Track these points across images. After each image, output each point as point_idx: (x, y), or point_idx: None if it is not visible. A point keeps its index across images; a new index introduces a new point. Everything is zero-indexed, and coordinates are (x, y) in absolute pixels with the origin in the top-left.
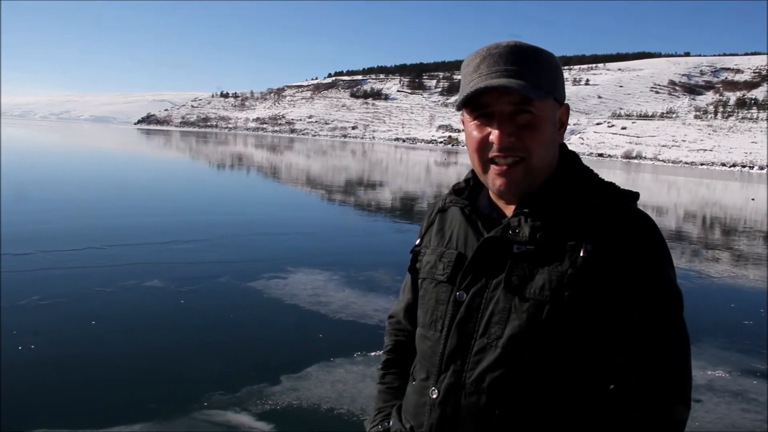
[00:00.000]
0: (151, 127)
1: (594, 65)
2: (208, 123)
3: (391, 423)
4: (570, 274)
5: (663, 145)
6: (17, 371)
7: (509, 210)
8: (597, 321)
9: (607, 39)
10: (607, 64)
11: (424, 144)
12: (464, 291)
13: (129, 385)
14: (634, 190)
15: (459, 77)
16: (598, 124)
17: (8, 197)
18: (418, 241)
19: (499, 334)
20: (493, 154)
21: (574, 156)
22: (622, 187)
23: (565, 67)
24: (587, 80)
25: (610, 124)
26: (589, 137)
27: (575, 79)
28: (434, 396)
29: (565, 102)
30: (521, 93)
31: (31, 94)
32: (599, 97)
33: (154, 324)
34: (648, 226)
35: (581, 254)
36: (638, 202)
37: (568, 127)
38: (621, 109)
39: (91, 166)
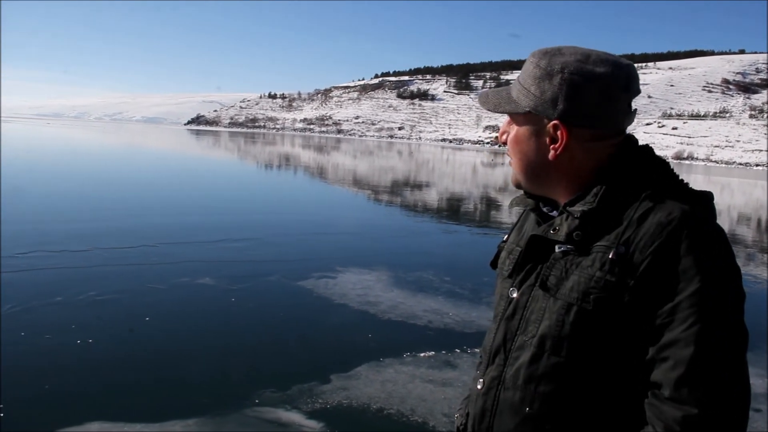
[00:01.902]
0: (201, 127)
1: (644, 64)
2: (256, 124)
3: None
4: (597, 277)
5: (716, 146)
6: (76, 365)
7: None
8: (631, 323)
9: (657, 37)
10: (657, 63)
11: (470, 145)
12: (516, 287)
13: (182, 380)
14: (702, 190)
15: (506, 77)
16: (647, 124)
17: (65, 196)
18: (505, 237)
19: (534, 332)
20: None
21: (639, 153)
22: (691, 188)
23: None
24: None
25: (660, 125)
26: (639, 138)
27: None
28: (479, 387)
29: (566, 120)
30: (479, 103)
31: (87, 96)
32: (649, 96)
33: (206, 321)
34: (693, 226)
35: (610, 256)
36: None
37: None
38: (672, 108)
39: (143, 165)
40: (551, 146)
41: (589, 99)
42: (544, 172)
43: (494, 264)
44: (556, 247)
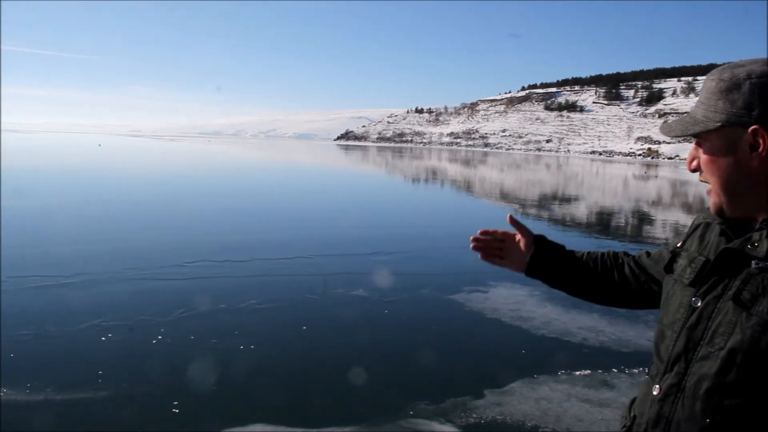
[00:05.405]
0: (350, 142)
1: None
2: (404, 138)
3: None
4: None
5: None
6: (239, 369)
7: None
8: None
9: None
10: None
11: (621, 157)
12: (700, 297)
13: (339, 388)
14: None
15: (659, 86)
16: None
17: (225, 209)
18: (680, 243)
19: (721, 345)
20: None
21: None
22: None
23: None
24: None
25: None
26: None
27: None
28: (655, 393)
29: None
30: (662, 133)
31: (243, 114)
32: None
33: (361, 332)
34: None
35: None
36: None
37: None
38: None
39: (296, 180)
40: (753, 154)
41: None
42: (745, 185)
43: (668, 268)
44: (753, 262)
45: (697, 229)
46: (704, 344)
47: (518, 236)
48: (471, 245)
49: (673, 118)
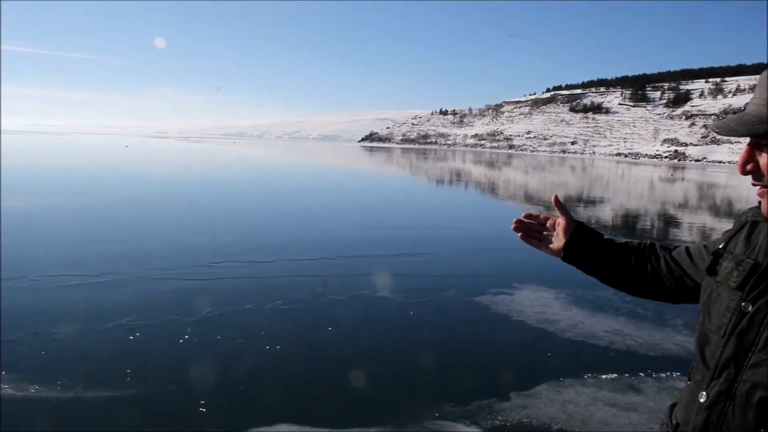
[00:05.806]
0: (374, 144)
1: None
2: (428, 140)
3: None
4: None
5: None
6: (265, 369)
7: None
8: None
9: None
10: None
11: (647, 159)
12: (750, 302)
13: (363, 390)
14: None
15: (686, 87)
16: None
17: (249, 210)
18: (722, 245)
19: None
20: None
21: None
22: None
23: None
24: None
25: None
26: None
27: None
28: (702, 400)
29: None
30: (721, 134)
31: (268, 116)
32: None
33: (386, 334)
34: None
35: None
36: None
37: None
38: None
39: (321, 181)
40: None
41: None
42: None
43: (710, 270)
44: None
45: (743, 229)
46: (756, 350)
47: (559, 219)
48: (512, 226)
49: (728, 117)
